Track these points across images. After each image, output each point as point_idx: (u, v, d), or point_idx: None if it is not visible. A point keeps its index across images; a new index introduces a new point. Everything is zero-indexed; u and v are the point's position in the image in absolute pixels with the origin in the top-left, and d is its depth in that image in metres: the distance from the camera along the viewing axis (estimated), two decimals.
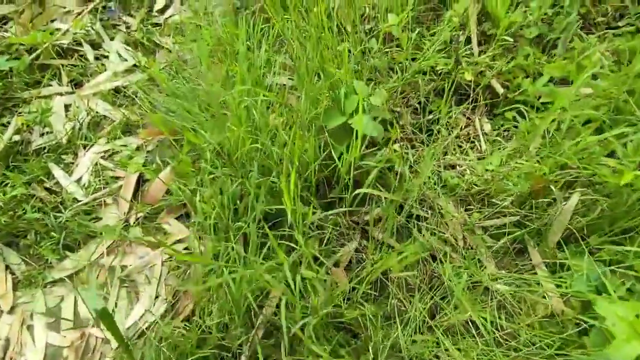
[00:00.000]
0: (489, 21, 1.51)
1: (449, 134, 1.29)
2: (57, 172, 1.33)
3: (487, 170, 1.14)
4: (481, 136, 1.29)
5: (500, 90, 1.28)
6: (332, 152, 1.04)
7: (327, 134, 1.05)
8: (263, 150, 0.97)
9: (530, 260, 1.03)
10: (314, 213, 1.05)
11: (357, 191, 0.97)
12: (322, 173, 1.05)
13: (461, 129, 1.33)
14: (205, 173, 1.04)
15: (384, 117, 1.21)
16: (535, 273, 1.00)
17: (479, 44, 1.48)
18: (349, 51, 1.19)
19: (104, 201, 1.26)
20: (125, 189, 1.25)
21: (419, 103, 1.31)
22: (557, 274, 0.94)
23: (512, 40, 1.28)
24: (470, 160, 1.22)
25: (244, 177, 1.00)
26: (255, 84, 1.20)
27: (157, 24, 1.83)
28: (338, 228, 1.07)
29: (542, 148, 1.09)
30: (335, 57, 1.14)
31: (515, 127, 1.28)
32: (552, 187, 0.96)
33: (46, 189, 1.29)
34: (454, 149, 1.25)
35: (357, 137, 0.98)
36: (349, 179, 1.03)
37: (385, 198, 1.15)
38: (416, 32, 1.35)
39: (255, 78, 1.21)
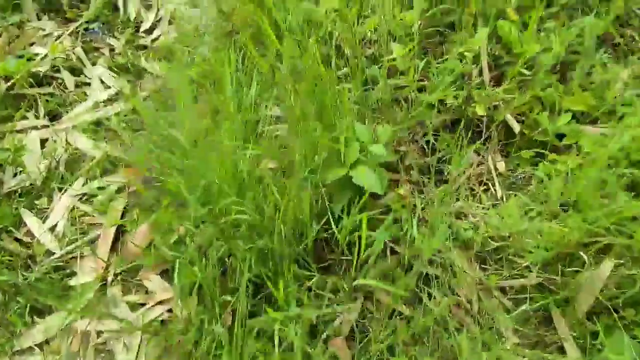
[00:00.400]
0: (500, 44, 1.39)
1: (461, 174, 1.17)
2: (30, 219, 1.21)
3: (503, 220, 1.02)
4: (495, 178, 1.17)
5: (517, 128, 1.16)
6: (331, 209, 0.93)
7: (326, 188, 0.93)
8: (252, 212, 0.85)
9: (556, 330, 0.91)
10: (310, 278, 0.94)
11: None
12: (321, 235, 0.93)
13: (473, 168, 1.21)
14: (188, 235, 0.92)
15: (389, 160, 1.10)
16: (562, 347, 0.89)
17: (490, 68, 1.36)
18: (349, 90, 1.07)
19: (80, 253, 1.15)
20: (102, 244, 1.13)
21: (427, 142, 1.19)
22: (588, 356, 0.82)
23: (529, 73, 1.16)
24: (484, 208, 1.10)
25: (232, 239, 0.88)
26: (244, 125, 1.08)
27: (143, 46, 1.71)
28: (338, 294, 0.95)
29: (565, 199, 0.97)
30: (334, 97, 1.02)
31: (533, 166, 1.16)
32: (582, 253, 0.85)
33: (16, 239, 1.17)
34: (466, 194, 1.14)
35: (360, 196, 0.86)
36: (350, 239, 0.91)
37: (391, 254, 1.04)
38: (423, 61, 1.22)
39: (244, 118, 1.09)
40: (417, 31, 1.33)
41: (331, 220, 0.87)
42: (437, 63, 1.36)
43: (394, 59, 1.12)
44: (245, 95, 1.12)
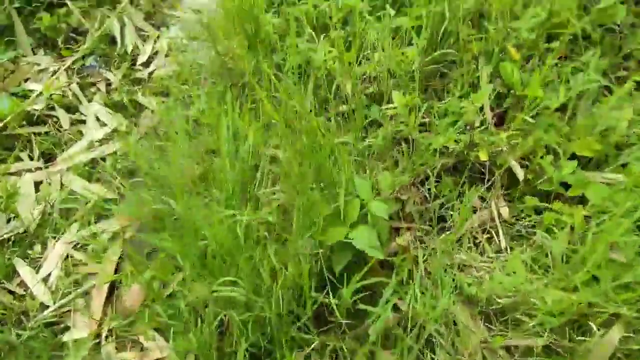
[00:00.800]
0: (500, 78, 1.36)
1: (464, 221, 1.14)
2: (23, 269, 1.19)
3: (507, 276, 0.99)
4: (499, 226, 1.14)
5: (521, 176, 1.13)
6: (331, 270, 0.90)
7: (326, 248, 0.90)
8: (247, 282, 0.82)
9: None
10: (310, 342, 0.91)
11: None
12: (322, 299, 0.90)
13: (476, 214, 1.18)
14: (182, 297, 0.89)
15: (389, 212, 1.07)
16: None
17: (492, 108, 1.33)
18: (347, 143, 1.05)
19: (74, 306, 1.12)
20: (96, 297, 1.10)
21: (429, 190, 1.16)
22: None
23: (533, 121, 1.13)
24: (488, 259, 1.08)
25: (228, 308, 0.86)
26: (241, 178, 1.06)
27: (140, 80, 1.69)
28: (338, 357, 0.92)
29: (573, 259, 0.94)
30: (332, 149, 0.99)
31: (538, 214, 1.13)
32: (591, 323, 0.82)
33: (9, 292, 1.15)
34: (469, 245, 1.11)
35: (364, 261, 0.83)
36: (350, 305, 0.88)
37: (394, 310, 1.01)
38: (425, 105, 1.20)
39: (241, 168, 1.06)
40: (418, 69, 1.31)
41: (330, 293, 0.84)
42: (439, 102, 1.34)
43: (394, 107, 1.09)
44: (242, 144, 1.10)
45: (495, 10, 1.34)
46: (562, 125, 1.22)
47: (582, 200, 1.09)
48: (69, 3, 1.74)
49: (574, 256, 0.89)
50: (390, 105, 1.11)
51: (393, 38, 1.45)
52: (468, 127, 1.12)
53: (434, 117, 1.25)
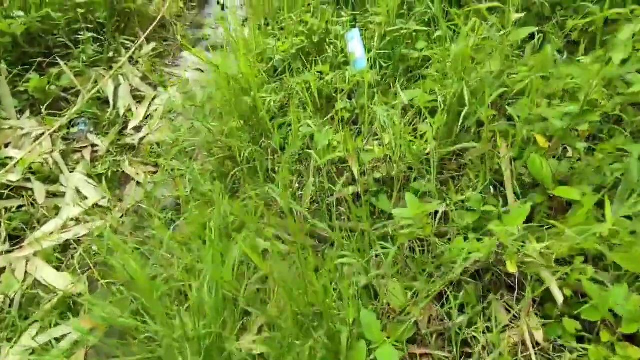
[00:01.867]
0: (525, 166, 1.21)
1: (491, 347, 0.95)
2: None
3: None
4: (533, 354, 0.94)
5: (560, 299, 0.95)
6: None
7: None
8: None
9: None
10: None
11: None
12: None
13: (502, 330, 0.99)
14: None
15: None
16: None
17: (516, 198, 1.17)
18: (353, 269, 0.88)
19: None
20: None
21: (447, 298, 0.98)
22: None
23: (579, 239, 0.95)
24: None
25: None
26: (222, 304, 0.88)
27: (129, 146, 1.56)
28: None
29: None
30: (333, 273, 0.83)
31: (581, 343, 0.94)
32: None
33: None
34: None
35: None
36: None
37: None
38: (442, 205, 1.04)
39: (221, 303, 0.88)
40: (433, 152, 1.16)
41: None
42: (457, 193, 1.18)
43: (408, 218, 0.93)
44: (227, 256, 0.93)
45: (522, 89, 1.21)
46: (601, 229, 1.05)
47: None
48: (61, 63, 1.66)
49: None
50: (403, 214, 0.94)
51: (404, 111, 1.32)
52: (498, 245, 0.95)
53: (452, 209, 1.09)
